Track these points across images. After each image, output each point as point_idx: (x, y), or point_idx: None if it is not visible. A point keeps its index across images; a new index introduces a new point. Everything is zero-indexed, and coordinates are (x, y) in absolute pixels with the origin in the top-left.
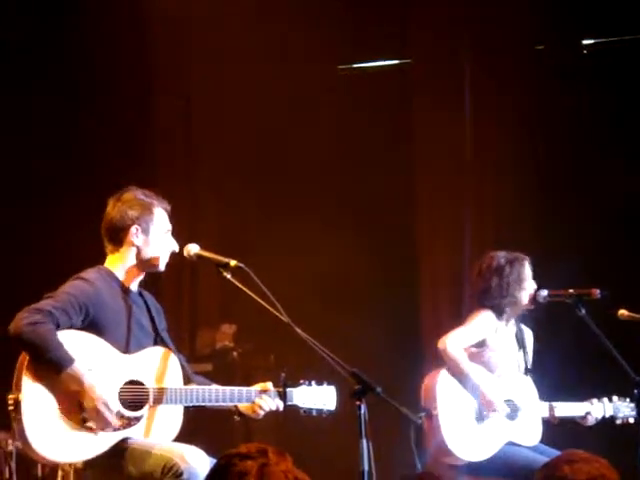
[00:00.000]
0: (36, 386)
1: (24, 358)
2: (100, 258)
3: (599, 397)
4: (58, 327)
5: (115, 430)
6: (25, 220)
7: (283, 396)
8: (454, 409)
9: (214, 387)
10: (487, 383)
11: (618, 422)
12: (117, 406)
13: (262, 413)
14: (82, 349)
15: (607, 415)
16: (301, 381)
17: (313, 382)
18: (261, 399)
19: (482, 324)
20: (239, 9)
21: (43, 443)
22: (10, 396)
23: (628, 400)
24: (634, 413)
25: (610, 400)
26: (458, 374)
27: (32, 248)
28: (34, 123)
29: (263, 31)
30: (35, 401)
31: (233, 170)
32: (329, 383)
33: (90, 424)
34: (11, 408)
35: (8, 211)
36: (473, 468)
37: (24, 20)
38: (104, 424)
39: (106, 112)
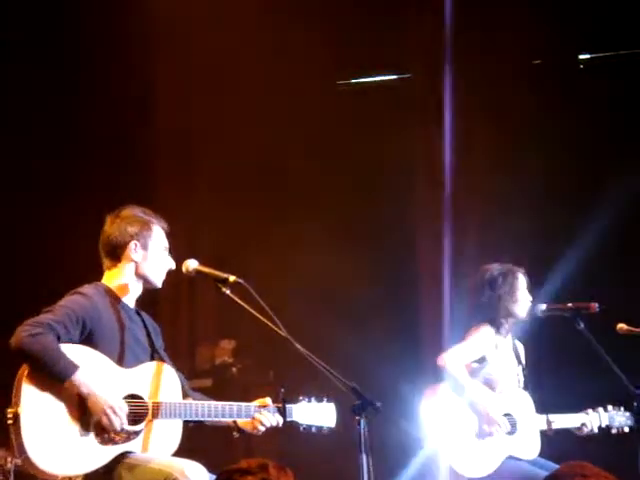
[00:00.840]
0: (35, 399)
1: (23, 371)
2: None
3: (594, 407)
4: (58, 339)
5: (115, 443)
6: (24, 221)
7: (282, 412)
8: (454, 426)
9: (214, 402)
10: (487, 400)
11: (613, 431)
12: (125, 408)
13: (262, 429)
14: (82, 363)
15: (603, 425)
16: (300, 397)
17: (313, 398)
18: (261, 414)
19: (481, 340)
20: (239, 21)
21: (42, 456)
22: (9, 410)
23: (622, 409)
24: (629, 422)
25: (605, 410)
26: (458, 390)
27: (31, 249)
28: (34, 123)
29: (262, 47)
30: (34, 414)
31: (231, 182)
32: (329, 399)
33: (100, 428)
34: (10, 422)
35: (7, 212)
36: None
37: (24, 20)
38: (115, 427)
39: (106, 113)
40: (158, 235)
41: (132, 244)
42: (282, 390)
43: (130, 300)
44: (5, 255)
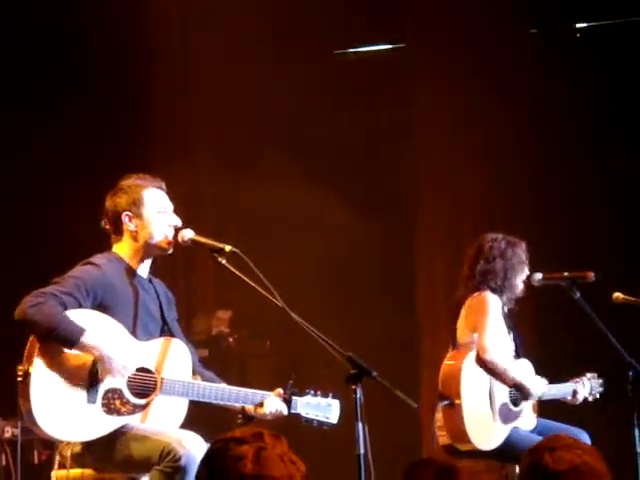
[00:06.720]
0: (48, 360)
1: None
2: (103, 242)
3: (578, 377)
4: (65, 309)
5: (121, 414)
6: (26, 206)
7: (288, 403)
8: (475, 399)
9: (223, 386)
10: (527, 379)
11: (590, 399)
12: (134, 366)
13: (268, 416)
14: (96, 330)
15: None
16: (307, 390)
17: (319, 393)
18: (268, 401)
19: (495, 309)
20: None
21: (46, 418)
22: (20, 367)
23: (596, 375)
24: (601, 389)
25: (587, 378)
26: (504, 379)
27: (33, 235)
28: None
29: (259, 18)
30: (44, 375)
31: (231, 152)
32: (334, 396)
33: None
34: (20, 380)
35: (10, 200)
36: (480, 453)
37: (24, 20)
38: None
39: (102, 81)
40: (150, 198)
41: (124, 216)
42: (291, 381)
43: (143, 270)
44: (15, 227)
